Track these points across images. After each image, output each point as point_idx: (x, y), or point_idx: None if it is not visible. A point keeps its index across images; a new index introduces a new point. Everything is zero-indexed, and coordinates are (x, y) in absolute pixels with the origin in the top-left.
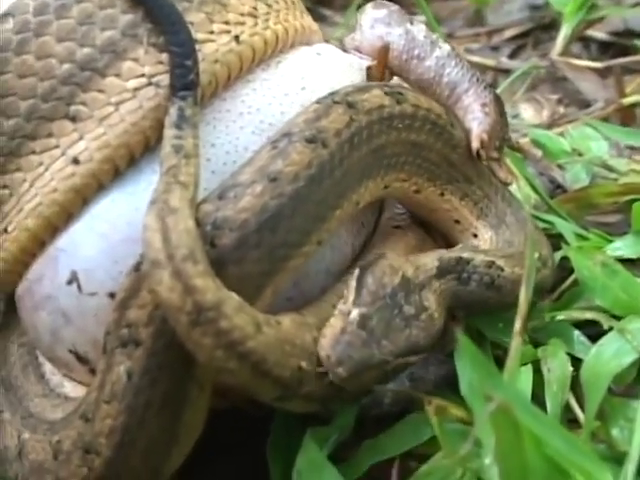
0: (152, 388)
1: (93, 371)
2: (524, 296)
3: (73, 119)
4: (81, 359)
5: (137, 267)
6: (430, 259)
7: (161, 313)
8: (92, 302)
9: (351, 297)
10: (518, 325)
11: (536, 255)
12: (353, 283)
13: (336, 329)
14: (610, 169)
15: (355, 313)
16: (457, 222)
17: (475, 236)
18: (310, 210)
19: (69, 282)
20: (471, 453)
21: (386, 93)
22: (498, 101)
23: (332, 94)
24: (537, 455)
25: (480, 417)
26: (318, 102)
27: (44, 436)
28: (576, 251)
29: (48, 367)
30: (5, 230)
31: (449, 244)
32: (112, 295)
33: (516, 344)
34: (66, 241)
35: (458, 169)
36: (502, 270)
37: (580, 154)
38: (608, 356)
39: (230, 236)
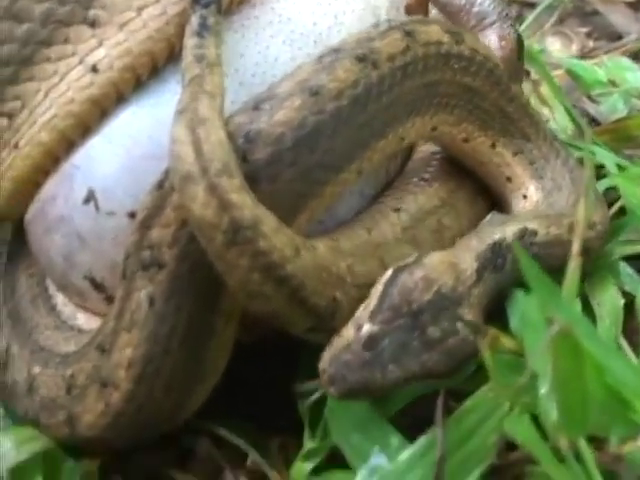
0: (176, 315)
1: (110, 299)
2: (581, 211)
3: (92, 24)
4: (97, 286)
5: (160, 184)
6: (469, 262)
7: (187, 233)
8: (110, 223)
9: (371, 306)
10: (576, 245)
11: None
12: (379, 288)
13: (341, 342)
14: None
15: (365, 330)
16: (509, 179)
17: (525, 197)
18: (352, 133)
19: (85, 201)
20: (522, 386)
21: (445, 31)
22: (518, 41)
23: (389, 21)
24: (598, 384)
25: (535, 346)
26: (374, 26)
27: (56, 370)
28: (623, 178)
29: (60, 298)
30: (16, 146)
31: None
32: (132, 215)
33: (574, 266)
34: (82, 157)
35: (514, 123)
36: (535, 235)
37: (616, 85)
38: None
39: (264, 151)
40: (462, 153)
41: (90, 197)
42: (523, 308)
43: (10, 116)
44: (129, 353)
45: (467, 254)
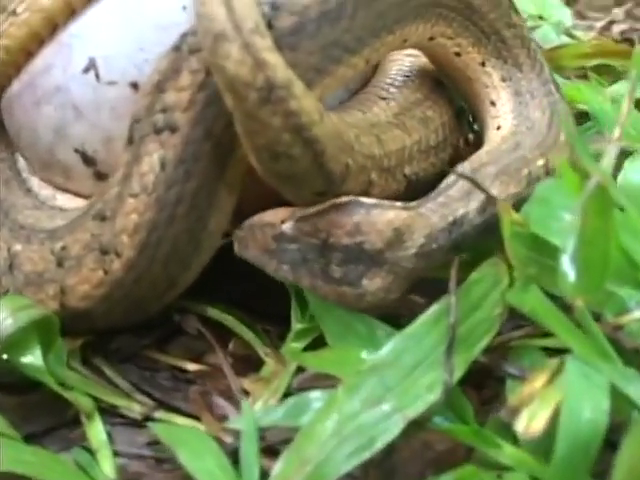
0: (185, 182)
1: (99, 175)
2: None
3: None
4: (87, 160)
5: (177, 47)
6: (415, 236)
7: (203, 97)
8: (110, 92)
9: (309, 212)
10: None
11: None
12: (327, 205)
13: (265, 219)
14: (573, 37)
15: (286, 227)
16: (492, 104)
17: (498, 128)
18: (368, 19)
19: (85, 70)
20: (532, 257)
21: None
22: None
23: None
24: (616, 245)
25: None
26: None
27: (42, 245)
28: (582, 88)
29: (35, 181)
30: (13, 12)
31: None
32: (134, 85)
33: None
34: (83, 25)
35: (509, 49)
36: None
37: (544, 19)
38: None
39: (289, 19)
40: (452, 67)
41: (90, 66)
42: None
43: None
44: (135, 218)
45: (419, 229)
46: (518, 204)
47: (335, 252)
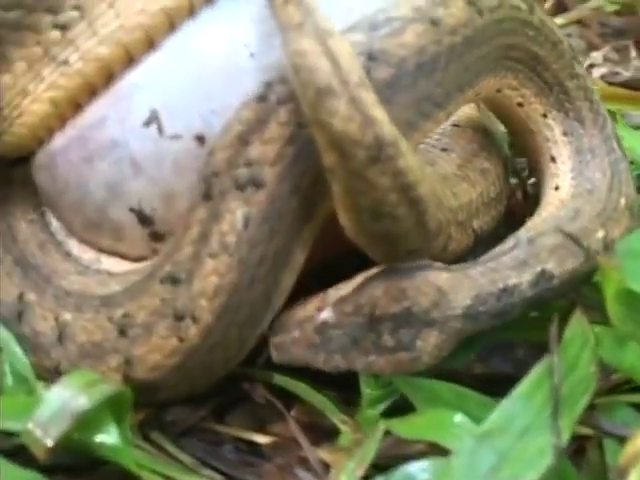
0: (268, 242)
1: (155, 235)
2: None
3: None
4: (144, 219)
5: (262, 97)
6: (461, 296)
7: (292, 150)
8: (174, 146)
9: (342, 292)
10: None
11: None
12: (358, 280)
13: (299, 314)
14: None
15: (325, 315)
16: (553, 160)
17: (557, 189)
18: (457, 73)
19: (147, 123)
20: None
21: None
22: None
23: None
24: None
25: None
26: None
27: (97, 313)
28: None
29: (74, 244)
30: (65, 62)
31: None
32: (200, 138)
33: None
34: (145, 75)
35: (571, 101)
36: (552, 278)
37: None
38: None
39: (386, 71)
40: (515, 118)
41: (152, 118)
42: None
43: (64, 28)
44: (215, 281)
45: (464, 290)
46: (574, 280)
47: (385, 322)
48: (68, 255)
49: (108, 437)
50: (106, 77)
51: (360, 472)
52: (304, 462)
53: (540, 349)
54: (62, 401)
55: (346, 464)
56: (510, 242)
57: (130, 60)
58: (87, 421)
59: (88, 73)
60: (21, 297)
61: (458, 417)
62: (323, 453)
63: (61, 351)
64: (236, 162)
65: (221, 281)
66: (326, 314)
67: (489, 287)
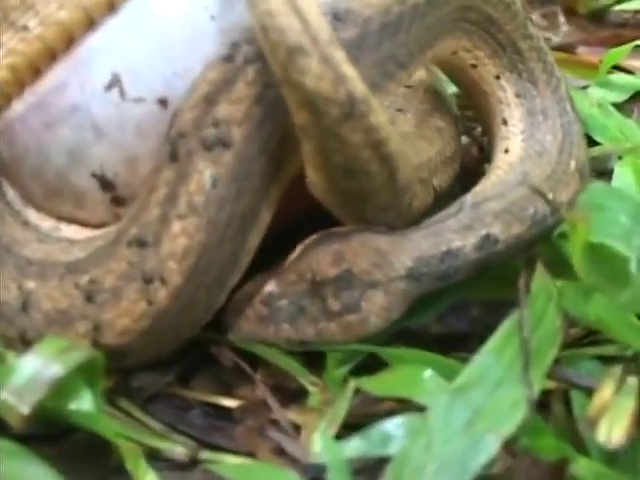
0: (236, 201)
1: (116, 200)
2: None
3: None
4: (106, 184)
5: (229, 57)
6: (402, 257)
7: (260, 110)
8: (137, 110)
9: (284, 265)
10: None
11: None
12: (298, 250)
13: (246, 291)
14: None
15: (269, 287)
16: (504, 122)
17: (506, 152)
18: (420, 33)
19: (108, 87)
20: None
21: None
22: None
23: None
24: None
25: None
26: None
27: (62, 281)
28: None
29: (32, 213)
30: (24, 27)
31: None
32: (163, 101)
33: None
34: (105, 38)
35: (524, 62)
36: (496, 242)
37: None
38: None
39: (352, 30)
40: (468, 79)
41: (114, 82)
42: None
43: None
44: (184, 242)
45: (404, 251)
46: (520, 244)
47: (327, 286)
48: (27, 224)
49: (82, 404)
50: (66, 42)
51: (332, 431)
52: (274, 424)
53: (494, 307)
54: (36, 369)
55: (317, 424)
56: (454, 207)
57: (90, 24)
58: (60, 388)
59: (48, 38)
60: None
61: (428, 373)
62: (293, 415)
63: (26, 320)
64: (203, 122)
65: (190, 242)
66: (270, 286)
67: (432, 250)
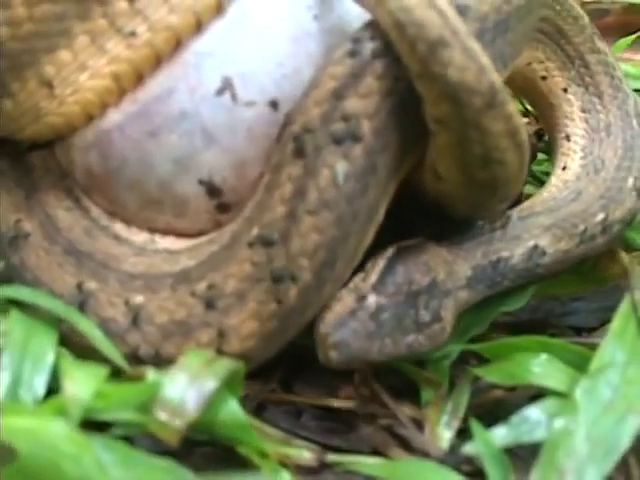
0: (363, 196)
1: (222, 207)
2: None
3: None
4: (213, 191)
5: (354, 52)
6: (464, 267)
7: (390, 103)
8: (248, 113)
9: (374, 278)
10: None
11: None
12: (382, 263)
13: (346, 307)
14: None
15: (373, 300)
16: (567, 138)
17: (564, 169)
18: (518, 36)
19: (220, 92)
20: None
21: None
22: None
23: None
24: None
25: None
26: None
27: (174, 291)
28: None
29: (120, 227)
30: (132, 34)
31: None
32: (274, 104)
33: None
34: (213, 42)
35: (592, 76)
36: (544, 254)
37: None
38: None
39: (473, 25)
40: (538, 92)
41: (226, 86)
42: None
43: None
44: (315, 238)
45: (464, 261)
46: (568, 260)
47: (420, 296)
48: (118, 238)
49: (232, 415)
50: (174, 47)
51: (456, 423)
52: (391, 421)
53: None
54: (187, 383)
55: (439, 417)
56: (500, 221)
57: (199, 28)
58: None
59: (157, 43)
60: (80, 287)
61: (544, 357)
62: (408, 411)
63: (138, 335)
64: (332, 117)
65: (321, 238)
66: (374, 298)
67: (484, 260)
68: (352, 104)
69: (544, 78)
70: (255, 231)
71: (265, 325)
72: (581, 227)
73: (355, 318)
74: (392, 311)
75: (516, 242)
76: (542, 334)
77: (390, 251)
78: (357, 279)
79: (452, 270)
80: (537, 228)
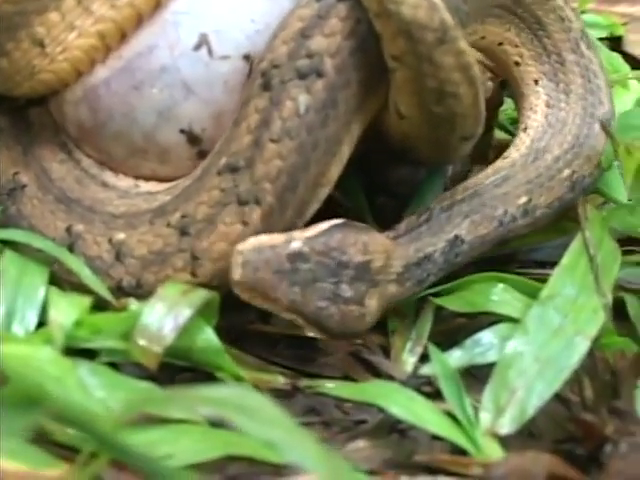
0: (323, 127)
1: (201, 154)
2: None
3: None
4: (193, 139)
5: None
6: (397, 263)
7: (351, 43)
8: (224, 67)
9: (310, 233)
10: None
11: None
12: (324, 226)
13: (270, 241)
14: None
15: (297, 245)
16: (524, 129)
17: (524, 130)
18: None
19: (196, 47)
20: None
21: None
22: None
23: None
24: None
25: None
26: None
27: (151, 225)
28: None
29: (109, 175)
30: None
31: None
32: (247, 57)
33: None
34: (189, 2)
35: (565, 72)
36: (462, 243)
37: None
38: None
39: None
40: (510, 77)
41: (202, 42)
42: None
43: None
44: (278, 164)
45: (399, 258)
46: (486, 246)
47: (347, 270)
48: (105, 185)
49: (207, 341)
50: (154, 7)
51: (420, 349)
52: (362, 349)
53: None
54: (164, 312)
55: (404, 344)
56: (425, 215)
57: None
58: (185, 328)
59: (138, 4)
60: (69, 230)
61: (500, 286)
62: (376, 339)
63: (121, 268)
64: (298, 53)
65: (284, 164)
66: (299, 244)
67: (414, 256)
68: (317, 42)
69: (517, 64)
70: (223, 160)
71: (233, 246)
72: (500, 210)
73: (272, 251)
74: (311, 266)
75: (438, 235)
76: (507, 267)
77: (337, 220)
78: (296, 231)
79: (388, 262)
80: (457, 217)
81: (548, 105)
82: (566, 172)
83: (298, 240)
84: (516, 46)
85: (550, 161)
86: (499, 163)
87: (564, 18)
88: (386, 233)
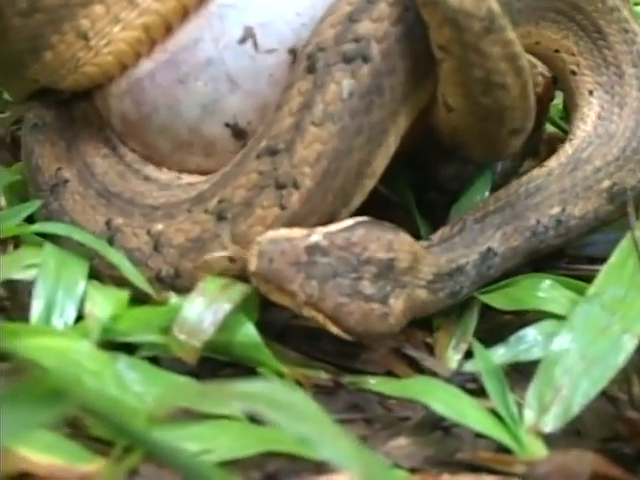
0: (367, 114)
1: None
2: None
3: None
4: (238, 133)
5: None
6: (426, 270)
7: (400, 29)
8: (269, 60)
9: (332, 228)
10: None
11: None
12: (349, 222)
13: (289, 234)
14: None
15: (316, 239)
16: (570, 140)
17: (570, 140)
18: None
19: (242, 40)
20: None
21: None
22: None
23: None
24: None
25: None
26: None
27: (189, 213)
28: None
29: (151, 169)
30: None
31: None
32: (292, 51)
33: None
34: None
35: (622, 85)
36: (494, 256)
37: None
38: None
39: None
40: (566, 85)
41: (247, 35)
42: None
43: None
44: (318, 147)
45: (429, 265)
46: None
47: (369, 266)
48: (147, 179)
49: (247, 336)
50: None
51: (464, 346)
52: (406, 345)
53: None
54: (204, 307)
55: (449, 341)
56: (458, 226)
57: None
58: (225, 323)
59: None
60: (108, 223)
61: (548, 282)
62: (420, 335)
63: (160, 258)
64: (344, 37)
65: (324, 147)
66: (318, 237)
67: (446, 267)
68: (364, 27)
69: (574, 73)
70: (263, 143)
71: (270, 230)
72: (532, 221)
73: (290, 243)
74: (331, 260)
75: (472, 247)
76: (558, 262)
77: (363, 217)
78: (320, 227)
79: (416, 266)
80: (490, 229)
81: (599, 117)
82: (606, 183)
83: (318, 234)
84: (573, 54)
85: (589, 172)
86: (535, 172)
87: (628, 30)
88: (420, 243)
